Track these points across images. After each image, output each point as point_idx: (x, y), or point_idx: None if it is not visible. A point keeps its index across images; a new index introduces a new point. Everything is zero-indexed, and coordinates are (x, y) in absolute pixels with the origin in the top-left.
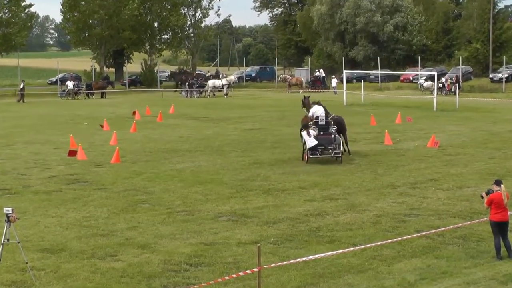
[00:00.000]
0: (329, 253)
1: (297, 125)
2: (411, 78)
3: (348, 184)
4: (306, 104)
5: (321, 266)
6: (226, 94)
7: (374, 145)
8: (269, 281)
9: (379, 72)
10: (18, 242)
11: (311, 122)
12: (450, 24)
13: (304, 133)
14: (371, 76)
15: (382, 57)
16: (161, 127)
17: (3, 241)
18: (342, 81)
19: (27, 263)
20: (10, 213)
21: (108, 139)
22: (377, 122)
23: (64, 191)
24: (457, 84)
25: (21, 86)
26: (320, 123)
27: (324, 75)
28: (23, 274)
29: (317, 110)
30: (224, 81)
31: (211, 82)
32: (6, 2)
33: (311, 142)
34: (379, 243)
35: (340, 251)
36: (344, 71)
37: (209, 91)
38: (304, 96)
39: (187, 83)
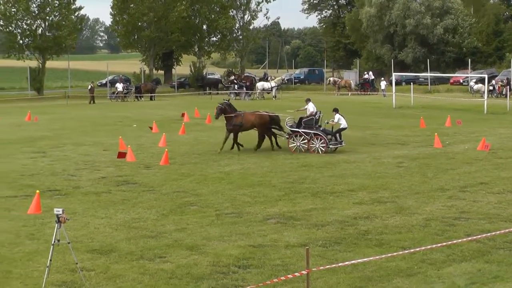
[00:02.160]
0: (377, 257)
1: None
2: (461, 81)
3: (397, 187)
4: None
5: (369, 269)
6: (275, 97)
7: (423, 148)
8: (317, 283)
9: (428, 74)
10: (69, 243)
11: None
12: (501, 26)
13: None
14: (420, 79)
15: (432, 59)
16: (210, 129)
17: (54, 242)
18: (391, 84)
19: (77, 263)
20: (60, 214)
21: (157, 141)
22: (426, 125)
23: (114, 192)
24: (508, 87)
25: (89, 87)
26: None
27: (373, 77)
28: (73, 275)
29: (313, 106)
30: (272, 83)
31: (260, 85)
32: (56, 5)
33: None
34: (428, 246)
35: (389, 254)
36: (393, 74)
37: (258, 93)
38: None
39: (236, 86)
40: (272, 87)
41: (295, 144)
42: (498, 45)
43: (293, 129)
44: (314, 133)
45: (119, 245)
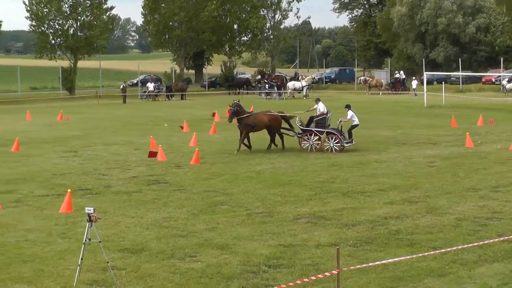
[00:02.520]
0: (408, 257)
1: (378, 127)
2: (493, 80)
3: (428, 187)
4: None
5: (400, 269)
6: (306, 96)
7: (455, 148)
8: (347, 283)
9: (460, 73)
10: (100, 242)
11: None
12: None
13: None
14: (452, 78)
15: (464, 58)
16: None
17: (85, 241)
18: (422, 83)
19: (108, 262)
20: (91, 213)
21: (187, 140)
22: (458, 124)
23: (144, 191)
24: None
25: (121, 86)
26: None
27: (404, 77)
28: (104, 273)
29: (323, 106)
30: (303, 83)
31: (291, 84)
32: (88, 5)
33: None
34: (459, 247)
35: (420, 254)
36: (425, 73)
37: (289, 92)
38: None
39: (266, 85)
40: (303, 87)
41: (308, 143)
42: None
43: (307, 128)
44: (328, 132)
45: (150, 244)
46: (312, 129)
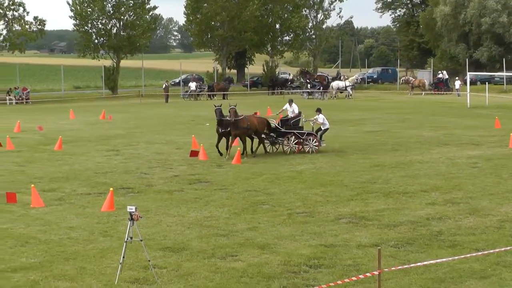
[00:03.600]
0: (450, 258)
1: (420, 127)
2: None
3: (470, 188)
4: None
5: (442, 271)
6: (350, 95)
7: (498, 149)
8: (388, 284)
9: (504, 74)
10: (141, 240)
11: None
12: None
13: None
14: (496, 78)
15: (508, 58)
16: None
17: (127, 239)
18: (465, 83)
19: (149, 261)
20: (133, 212)
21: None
22: (501, 125)
23: (186, 190)
24: None
25: (163, 86)
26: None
27: (447, 77)
28: (145, 272)
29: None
30: (347, 83)
31: (335, 84)
32: (131, 5)
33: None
34: (503, 248)
35: (462, 256)
36: (468, 73)
37: (334, 92)
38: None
39: (309, 85)
40: (346, 86)
41: (289, 145)
42: None
43: (288, 130)
44: (308, 133)
45: (191, 243)
46: (294, 131)
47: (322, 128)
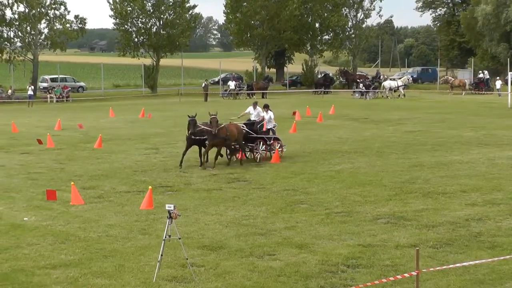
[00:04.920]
0: (490, 259)
1: (460, 127)
2: None
3: (511, 189)
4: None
5: (481, 272)
6: (403, 95)
7: None
8: (427, 285)
9: None
10: (179, 238)
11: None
12: None
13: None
14: None
15: None
16: (321, 128)
17: (165, 237)
18: (506, 83)
19: (187, 259)
20: (172, 210)
21: None
22: None
23: (224, 189)
24: None
25: (203, 85)
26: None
27: (488, 77)
28: (183, 270)
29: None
30: (399, 82)
31: (387, 83)
32: (171, 3)
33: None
34: None
35: (502, 257)
36: (509, 73)
37: (387, 92)
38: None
39: (362, 84)
40: (398, 86)
41: (259, 152)
42: None
43: (257, 136)
44: (274, 138)
45: (229, 242)
46: (264, 136)
47: (268, 128)
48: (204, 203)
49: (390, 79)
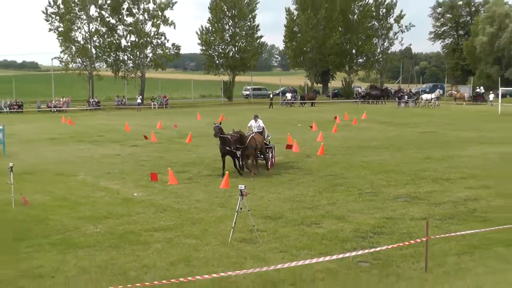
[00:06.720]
0: (483, 230)
1: (461, 129)
2: None
3: (500, 176)
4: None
5: (476, 239)
6: (437, 105)
7: None
8: (434, 248)
9: None
10: (248, 211)
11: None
12: None
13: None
14: None
15: None
16: (355, 129)
17: (238, 210)
18: (497, 96)
19: (254, 226)
20: (243, 189)
21: (315, 137)
22: None
23: (282, 174)
24: None
25: (270, 95)
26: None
27: (483, 91)
28: (250, 234)
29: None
30: (433, 95)
31: (424, 96)
32: (243, 34)
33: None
34: None
35: (492, 228)
36: (500, 88)
37: (423, 103)
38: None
39: (407, 96)
40: (432, 98)
41: (269, 158)
42: None
43: (268, 145)
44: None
45: (285, 214)
46: (271, 145)
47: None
48: (267, 184)
49: (426, 93)
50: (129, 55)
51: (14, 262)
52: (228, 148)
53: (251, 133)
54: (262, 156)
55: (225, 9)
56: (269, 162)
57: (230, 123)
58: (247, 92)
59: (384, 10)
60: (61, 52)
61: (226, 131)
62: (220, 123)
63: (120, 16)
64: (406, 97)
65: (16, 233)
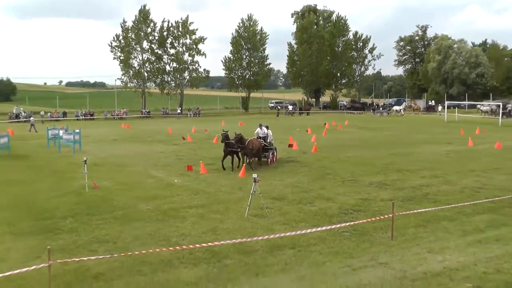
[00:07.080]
0: (433, 208)
1: (417, 132)
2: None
3: (445, 168)
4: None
5: (428, 215)
6: (402, 115)
7: (462, 146)
8: (398, 222)
9: (466, 102)
10: (260, 193)
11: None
12: (511, 73)
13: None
14: (461, 105)
15: (469, 93)
16: (340, 133)
17: (252, 192)
18: (444, 108)
19: (264, 204)
20: (256, 177)
21: (310, 138)
22: (464, 132)
23: (285, 166)
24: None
25: (278, 107)
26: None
27: (434, 104)
28: (261, 211)
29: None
30: (401, 107)
31: (395, 107)
32: (256, 62)
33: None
34: (462, 204)
35: (440, 207)
36: (446, 102)
37: (394, 112)
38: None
39: (381, 108)
40: (400, 109)
41: (269, 157)
42: (509, 86)
43: (269, 147)
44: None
45: (287, 195)
46: (271, 147)
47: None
48: (274, 174)
49: (395, 105)
50: (171, 77)
51: (89, 231)
52: (230, 150)
53: (250, 138)
54: (264, 155)
55: (243, 43)
56: (269, 160)
57: (247, 128)
58: (272, 105)
59: (361, 43)
60: (122, 75)
61: (231, 136)
62: (227, 131)
63: (165, 48)
64: (380, 108)
65: (89, 210)
